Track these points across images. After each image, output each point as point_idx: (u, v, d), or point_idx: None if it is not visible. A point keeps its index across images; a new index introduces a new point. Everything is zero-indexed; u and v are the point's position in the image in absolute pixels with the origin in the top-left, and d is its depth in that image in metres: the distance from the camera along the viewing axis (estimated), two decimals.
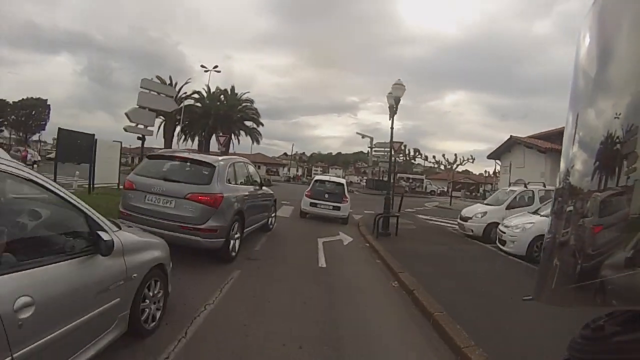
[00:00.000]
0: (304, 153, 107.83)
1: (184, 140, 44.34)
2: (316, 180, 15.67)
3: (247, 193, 7.80)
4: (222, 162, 6.94)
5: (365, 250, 9.75)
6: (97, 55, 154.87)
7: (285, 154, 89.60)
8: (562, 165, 0.86)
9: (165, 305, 4.15)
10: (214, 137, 41.62)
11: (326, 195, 14.25)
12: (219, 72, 41.74)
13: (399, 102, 11.35)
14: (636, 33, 0.67)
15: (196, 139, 43.67)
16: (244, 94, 44.92)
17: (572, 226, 0.81)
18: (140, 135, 18.96)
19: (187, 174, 6.78)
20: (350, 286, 6.51)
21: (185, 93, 42.51)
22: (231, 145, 43.82)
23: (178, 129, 42.94)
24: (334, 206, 14.01)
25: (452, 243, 11.29)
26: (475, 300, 5.83)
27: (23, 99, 66.53)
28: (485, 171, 72.92)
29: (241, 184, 7.79)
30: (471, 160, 53.22)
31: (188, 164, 6.98)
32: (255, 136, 45.93)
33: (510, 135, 27.54)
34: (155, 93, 19.27)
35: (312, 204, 14.17)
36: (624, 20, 0.71)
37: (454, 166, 54.83)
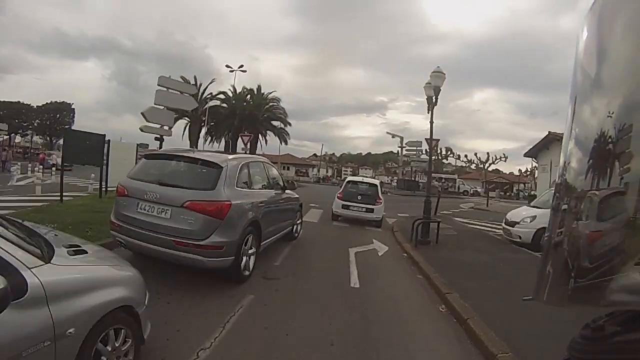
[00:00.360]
0: (333, 154, 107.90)
1: (210, 142, 43.69)
2: (348, 182, 14.72)
3: (264, 199, 6.62)
4: (232, 162, 5.85)
5: (404, 262, 8.47)
6: (124, 59, 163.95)
7: (314, 154, 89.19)
8: (561, 161, 0.85)
9: (138, 356, 3.03)
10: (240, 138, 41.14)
11: (359, 197, 13.43)
12: (244, 71, 40.97)
13: (439, 92, 9.93)
14: (634, 32, 0.65)
15: (222, 140, 42.85)
16: (271, 93, 43.97)
17: (572, 225, 0.79)
18: (158, 136, 18.19)
19: (187, 177, 5.70)
20: (390, 314, 5.25)
21: (211, 94, 41.90)
22: (258, 145, 43.23)
23: (204, 130, 42.35)
24: (367, 208, 13.13)
25: (499, 252, 9.80)
26: (551, 333, 4.44)
27: (47, 103, 67.03)
28: (519, 170, 70.44)
29: (258, 187, 6.67)
30: (504, 159, 50.78)
31: (190, 164, 5.92)
32: (283, 136, 44.79)
33: (548, 132, 25.59)
34: (174, 91, 18.44)
35: (344, 206, 13.33)
36: (622, 20, 0.70)
37: (487, 165, 52.52)
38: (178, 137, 41.79)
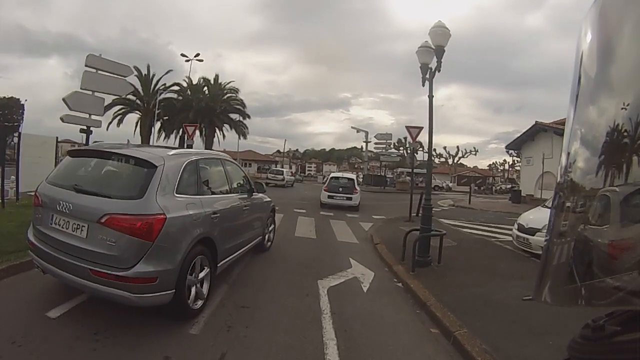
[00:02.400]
0: (297, 150, 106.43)
1: (165, 138, 39.81)
2: (332, 177, 19.21)
3: (221, 207, 5.05)
4: (171, 161, 4.33)
5: (402, 301, 5.71)
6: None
7: (278, 151, 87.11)
8: (563, 160, 0.85)
9: None
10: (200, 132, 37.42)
11: (340, 189, 17.57)
12: (201, 61, 37.40)
13: (443, 54, 7.09)
14: (638, 29, 0.65)
15: (177, 135, 39.07)
16: (229, 83, 40.43)
17: (572, 224, 0.80)
18: (85, 127, 14.81)
19: (110, 181, 4.39)
20: None
21: (164, 85, 37.89)
22: (215, 140, 39.63)
23: (158, 125, 38.48)
24: (347, 197, 17.30)
25: (526, 272, 7.02)
26: None
27: None
28: (504, 162, 69.72)
29: (213, 193, 5.15)
30: (474, 153, 49.26)
31: (117, 163, 4.41)
32: (241, 130, 41.40)
33: (535, 122, 23.94)
34: (105, 73, 14.99)
35: (329, 197, 17.46)
36: (626, 17, 0.69)
37: (457, 159, 50.84)
38: (128, 134, 38.05)
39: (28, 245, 4.42)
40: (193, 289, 4.29)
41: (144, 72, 37.10)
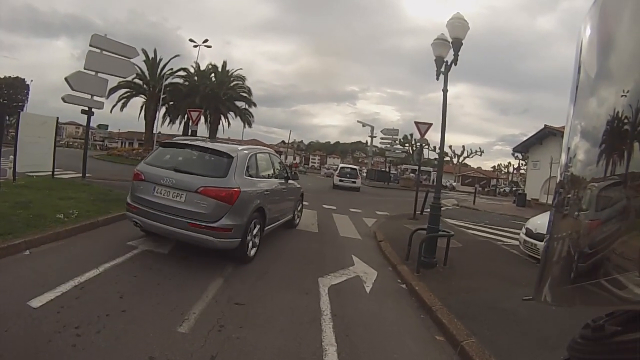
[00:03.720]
0: (301, 141, 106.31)
1: (169, 123, 39.25)
2: (341, 167, 28.09)
3: (269, 187, 6.98)
4: (242, 153, 6.25)
5: (405, 304, 5.42)
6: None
7: (283, 141, 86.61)
8: (563, 158, 0.85)
9: None
10: (203, 119, 36.94)
11: (348, 175, 26.48)
12: (209, 47, 36.96)
13: (460, 47, 6.72)
14: (638, 26, 0.66)
15: (182, 121, 38.56)
16: (236, 70, 39.53)
17: (572, 224, 0.80)
18: (86, 108, 14.64)
19: (201, 165, 6.14)
20: None
21: (171, 69, 37.43)
22: (220, 128, 39.16)
23: (163, 110, 38.05)
24: (352, 181, 26.08)
25: (534, 279, 6.67)
26: None
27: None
28: (508, 164, 69.24)
29: (264, 177, 7.00)
30: (479, 153, 48.60)
31: (203, 153, 6.40)
32: (246, 118, 40.64)
33: (545, 125, 23.57)
34: (110, 54, 14.75)
35: (340, 180, 26.07)
36: (627, 14, 0.70)
37: (462, 159, 50.26)
38: (133, 118, 37.52)
39: (129, 208, 5.99)
40: (250, 242, 6.05)
41: (151, 55, 36.59)
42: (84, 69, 14.54)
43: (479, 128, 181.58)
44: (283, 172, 8.26)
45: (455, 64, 6.68)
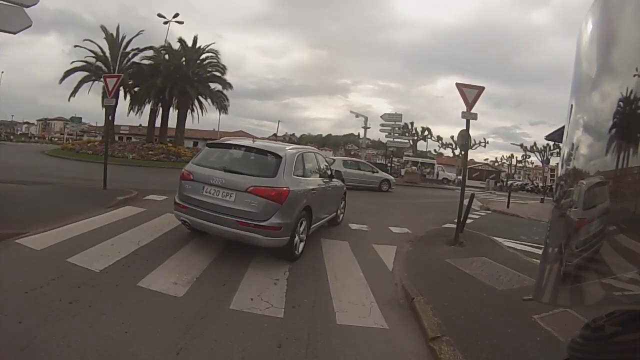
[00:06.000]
0: (293, 134, 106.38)
1: (137, 113, 34.45)
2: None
3: (315, 186, 6.99)
4: (290, 152, 6.41)
5: None
6: (85, 34, 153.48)
7: (274, 134, 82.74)
8: (564, 155, 0.85)
9: None
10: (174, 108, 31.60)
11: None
12: (181, 23, 31.65)
13: None
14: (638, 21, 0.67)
15: (147, 108, 33.19)
16: (209, 45, 34.92)
17: (572, 223, 0.79)
18: None
19: (250, 165, 6.34)
20: None
21: (138, 48, 32.37)
22: (190, 117, 33.93)
23: (128, 97, 33.18)
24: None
25: None
26: None
27: None
28: (511, 156, 64.90)
29: (310, 176, 7.05)
30: (484, 144, 43.81)
31: (252, 153, 6.59)
32: (221, 103, 35.38)
33: None
34: None
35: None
36: (629, 10, 0.71)
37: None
38: (95, 111, 32.40)
39: (177, 207, 6.20)
40: (297, 239, 6.15)
41: (113, 33, 31.35)
42: None
43: (472, 121, 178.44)
44: (327, 171, 8.36)
45: None
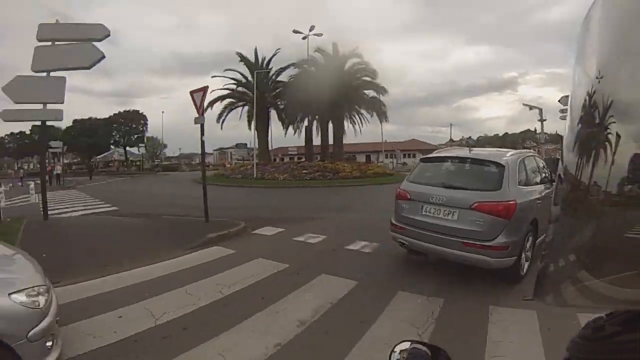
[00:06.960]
0: (470, 137, 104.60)
1: (295, 132, 34.74)
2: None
3: (539, 195, 6.18)
4: (511, 159, 5.93)
5: None
6: (244, 70, 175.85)
7: (451, 139, 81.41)
8: (564, 152, 0.73)
9: None
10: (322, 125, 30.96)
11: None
12: (319, 35, 30.58)
13: None
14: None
15: (300, 128, 33.34)
16: (353, 50, 32.90)
17: (572, 221, 0.70)
18: (39, 122, 9.45)
19: (469, 178, 6.00)
20: None
21: (281, 69, 33.10)
22: (352, 130, 33.07)
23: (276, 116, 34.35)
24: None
25: None
26: None
27: (116, 113, 66.71)
28: None
29: (533, 184, 6.36)
30: None
31: (470, 164, 6.22)
32: (378, 109, 33.07)
33: None
34: (65, 43, 8.99)
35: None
36: (634, 8, 0.60)
37: None
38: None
39: (394, 229, 6.20)
40: (523, 257, 5.71)
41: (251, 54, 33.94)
42: (32, 70, 9.64)
43: None
44: (548, 176, 7.17)
45: None
